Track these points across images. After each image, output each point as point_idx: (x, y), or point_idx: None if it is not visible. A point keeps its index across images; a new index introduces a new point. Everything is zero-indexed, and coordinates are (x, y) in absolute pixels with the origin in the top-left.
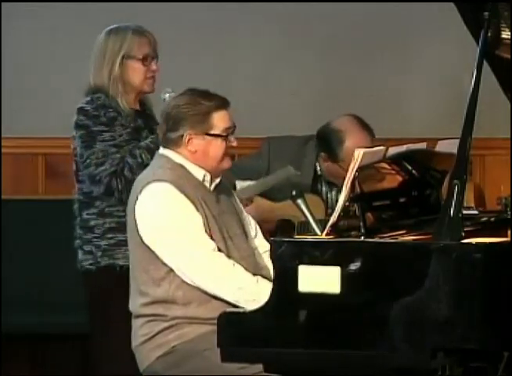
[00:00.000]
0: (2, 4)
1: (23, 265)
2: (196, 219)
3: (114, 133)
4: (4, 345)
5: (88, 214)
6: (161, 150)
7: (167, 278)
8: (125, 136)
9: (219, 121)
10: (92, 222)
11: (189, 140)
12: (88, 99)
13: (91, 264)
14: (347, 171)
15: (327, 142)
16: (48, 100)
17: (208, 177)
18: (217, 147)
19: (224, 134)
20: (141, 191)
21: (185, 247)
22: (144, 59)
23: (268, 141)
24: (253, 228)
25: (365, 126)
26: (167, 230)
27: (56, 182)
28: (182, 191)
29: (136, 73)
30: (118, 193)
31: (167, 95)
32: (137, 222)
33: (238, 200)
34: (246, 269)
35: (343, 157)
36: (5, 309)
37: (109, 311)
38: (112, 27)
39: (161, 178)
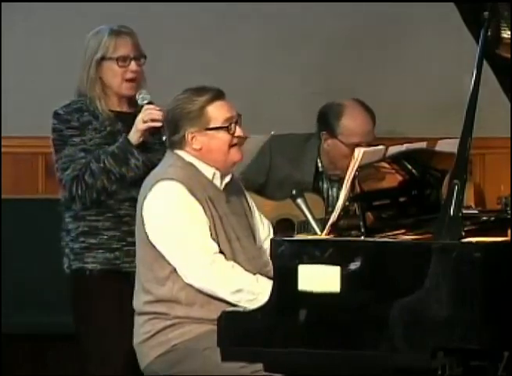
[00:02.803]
0: (2, 4)
1: (23, 265)
2: (202, 221)
3: (85, 137)
4: (4, 345)
5: (67, 217)
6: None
7: (170, 277)
8: (97, 140)
9: (216, 113)
10: (70, 226)
11: (192, 139)
12: (67, 102)
13: (67, 267)
14: (347, 146)
15: (326, 116)
16: (48, 100)
17: (218, 174)
18: (220, 140)
19: (224, 125)
20: (150, 189)
21: (187, 248)
22: (120, 60)
23: (270, 138)
24: (265, 228)
25: (366, 106)
26: (172, 230)
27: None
28: (191, 191)
29: (112, 74)
30: (79, 198)
31: (142, 95)
32: (144, 219)
33: (250, 201)
34: (250, 270)
35: (341, 131)
36: (5, 309)
37: (82, 314)
38: (97, 28)
39: (171, 177)
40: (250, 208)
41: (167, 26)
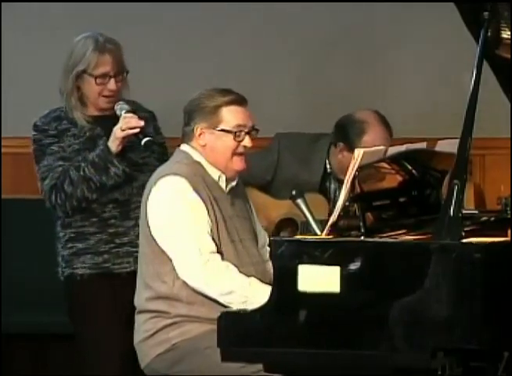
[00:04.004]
0: (2, 4)
1: (23, 265)
2: (202, 218)
3: (63, 144)
4: (4, 345)
5: (57, 225)
6: (182, 146)
7: (171, 274)
8: (76, 146)
9: (229, 116)
10: (60, 233)
11: (200, 134)
12: (46, 112)
13: (61, 275)
14: None
15: (347, 131)
16: (48, 101)
17: (223, 178)
18: (225, 144)
19: (233, 130)
20: (155, 183)
21: (184, 244)
22: (99, 78)
23: (278, 136)
24: (262, 237)
25: (386, 123)
26: (171, 225)
27: None
28: (195, 188)
29: (90, 88)
30: (59, 207)
31: (119, 106)
32: (147, 213)
33: (253, 207)
34: (253, 273)
35: (360, 147)
36: (5, 309)
37: (78, 319)
38: (83, 35)
39: (177, 173)
40: (252, 213)
41: (166, 26)
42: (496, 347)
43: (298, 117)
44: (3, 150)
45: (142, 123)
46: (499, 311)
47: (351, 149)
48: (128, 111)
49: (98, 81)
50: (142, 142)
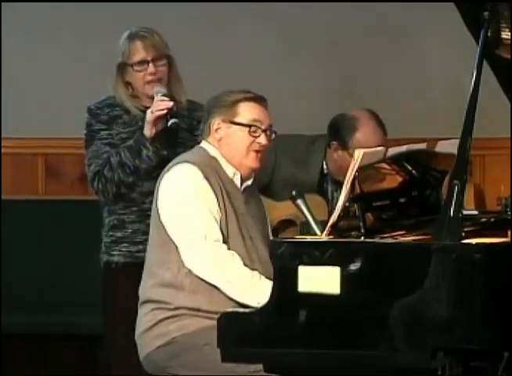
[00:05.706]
0: (2, 4)
1: (23, 265)
2: (212, 206)
3: (112, 131)
4: (4, 345)
5: (104, 212)
6: (201, 143)
7: (176, 263)
8: (123, 135)
9: (246, 110)
10: (106, 220)
11: (216, 129)
12: (102, 97)
13: (101, 260)
14: None
15: (339, 128)
16: (48, 100)
17: (238, 176)
18: (240, 137)
19: (249, 123)
20: (168, 170)
21: (190, 229)
22: (135, 65)
23: (275, 138)
24: None
25: (379, 122)
26: (180, 209)
27: (56, 182)
28: (206, 177)
29: (135, 78)
30: (101, 193)
31: (156, 90)
32: (158, 198)
33: (266, 211)
34: (261, 271)
35: (352, 145)
36: (5, 309)
37: (108, 306)
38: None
39: (189, 161)
40: (266, 216)
41: (166, 25)
42: (496, 347)
43: (298, 117)
44: (3, 150)
45: (171, 104)
46: (499, 311)
47: (344, 146)
48: (164, 95)
49: (135, 68)
50: (169, 123)
